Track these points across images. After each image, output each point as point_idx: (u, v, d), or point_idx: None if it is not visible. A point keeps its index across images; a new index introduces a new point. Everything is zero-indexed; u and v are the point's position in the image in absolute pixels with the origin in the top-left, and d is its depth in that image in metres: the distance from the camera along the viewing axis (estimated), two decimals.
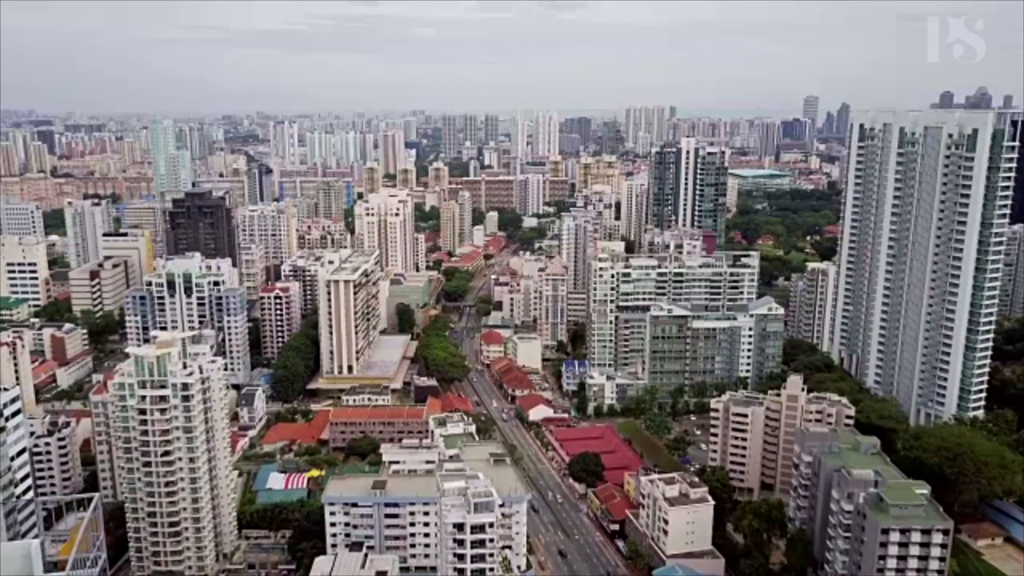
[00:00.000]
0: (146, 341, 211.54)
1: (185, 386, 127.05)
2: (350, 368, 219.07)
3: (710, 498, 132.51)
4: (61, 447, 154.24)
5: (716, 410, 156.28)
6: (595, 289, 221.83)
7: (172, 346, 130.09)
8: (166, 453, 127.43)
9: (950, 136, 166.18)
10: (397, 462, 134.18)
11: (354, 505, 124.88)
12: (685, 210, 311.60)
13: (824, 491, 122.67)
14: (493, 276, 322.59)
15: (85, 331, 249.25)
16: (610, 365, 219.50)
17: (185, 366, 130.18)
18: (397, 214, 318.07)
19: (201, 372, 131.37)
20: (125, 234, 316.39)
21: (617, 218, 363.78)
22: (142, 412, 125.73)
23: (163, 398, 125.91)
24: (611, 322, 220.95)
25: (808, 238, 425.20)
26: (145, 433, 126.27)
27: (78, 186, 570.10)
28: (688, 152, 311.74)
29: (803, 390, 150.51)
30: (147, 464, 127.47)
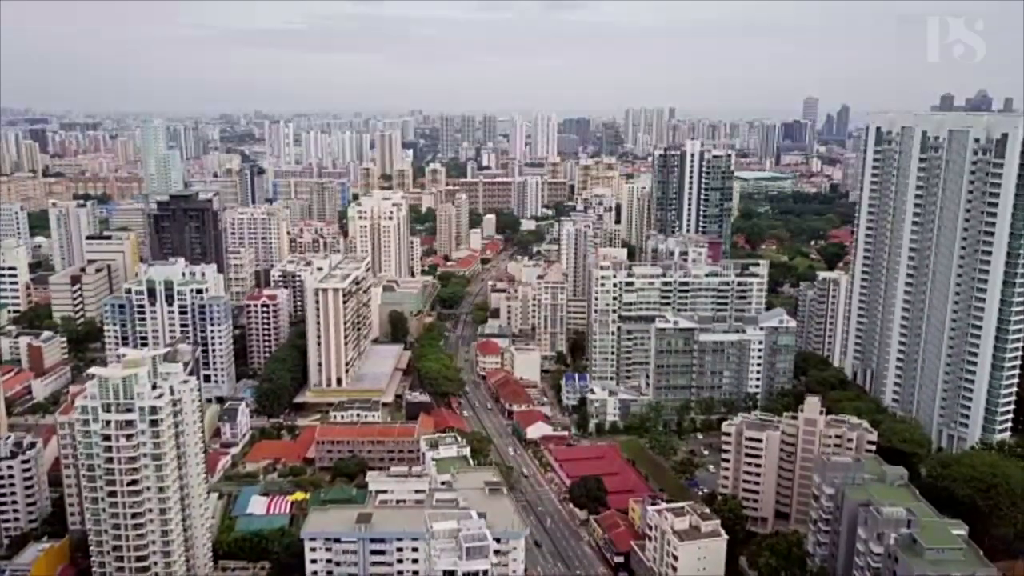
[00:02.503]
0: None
1: (154, 409, 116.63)
2: (339, 381, 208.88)
3: (723, 531, 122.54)
4: (25, 470, 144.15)
5: (728, 434, 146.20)
6: (596, 298, 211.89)
7: (140, 365, 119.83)
8: (133, 482, 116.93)
9: (977, 141, 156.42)
10: (384, 491, 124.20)
11: (337, 540, 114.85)
12: (689, 215, 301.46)
13: (848, 527, 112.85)
14: (490, 282, 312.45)
15: (64, 339, 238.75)
16: (612, 378, 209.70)
17: (155, 387, 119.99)
18: (391, 217, 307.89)
19: (172, 393, 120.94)
20: (109, 237, 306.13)
21: (617, 222, 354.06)
22: (106, 438, 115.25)
23: (129, 423, 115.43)
24: (613, 333, 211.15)
25: (812, 243, 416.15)
26: (110, 461, 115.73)
27: (68, 186, 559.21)
28: (693, 155, 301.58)
29: (822, 413, 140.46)
30: (112, 494, 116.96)
